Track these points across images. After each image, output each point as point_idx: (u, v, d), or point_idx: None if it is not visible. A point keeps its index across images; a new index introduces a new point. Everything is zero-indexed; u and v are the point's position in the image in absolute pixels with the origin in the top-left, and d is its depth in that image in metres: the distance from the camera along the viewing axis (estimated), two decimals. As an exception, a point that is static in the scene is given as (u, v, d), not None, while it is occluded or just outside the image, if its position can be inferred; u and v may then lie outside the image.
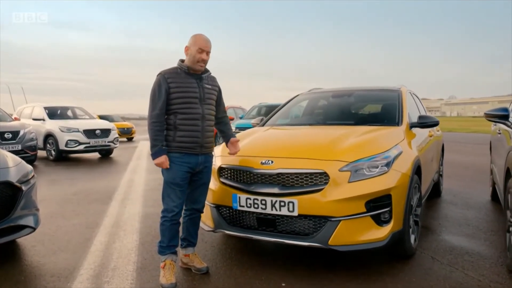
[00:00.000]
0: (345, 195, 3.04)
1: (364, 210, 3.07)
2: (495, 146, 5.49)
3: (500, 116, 4.26)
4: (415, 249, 3.72)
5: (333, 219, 3.05)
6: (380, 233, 3.11)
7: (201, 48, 3.13)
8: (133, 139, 23.33)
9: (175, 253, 3.23)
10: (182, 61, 3.24)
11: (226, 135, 3.57)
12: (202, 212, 3.46)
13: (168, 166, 3.08)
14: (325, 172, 3.11)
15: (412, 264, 3.49)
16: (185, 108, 3.12)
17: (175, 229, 3.19)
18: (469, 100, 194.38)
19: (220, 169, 3.59)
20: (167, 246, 3.18)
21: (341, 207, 3.03)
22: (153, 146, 3.07)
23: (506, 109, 4.27)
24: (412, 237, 3.60)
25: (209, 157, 3.34)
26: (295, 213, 3.11)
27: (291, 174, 3.18)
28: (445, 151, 7.14)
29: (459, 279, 3.19)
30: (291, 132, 4.35)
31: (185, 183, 3.18)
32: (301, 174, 3.16)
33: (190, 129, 3.14)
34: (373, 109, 5.17)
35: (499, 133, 4.94)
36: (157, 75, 3.16)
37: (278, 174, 3.21)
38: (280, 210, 3.15)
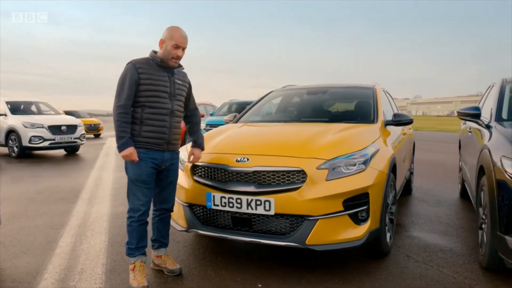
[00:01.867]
0: (323, 194, 2.98)
1: (342, 208, 3.02)
2: (465, 144, 5.58)
3: (472, 115, 4.31)
4: (391, 247, 3.71)
5: (310, 218, 2.98)
6: (357, 232, 3.07)
7: (177, 44, 2.99)
8: (101, 136, 22.83)
9: (144, 254, 3.10)
10: (155, 52, 3.08)
11: (193, 136, 3.42)
12: (172, 211, 3.34)
13: (137, 158, 2.91)
14: (302, 170, 3.04)
15: (388, 262, 3.47)
16: (154, 102, 2.97)
17: (143, 229, 3.05)
18: (434, 100, 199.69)
19: (194, 167, 3.46)
20: (136, 248, 3.04)
21: (319, 206, 2.97)
22: (119, 138, 2.88)
23: (478, 108, 4.32)
24: (388, 235, 3.58)
25: (175, 153, 3.22)
26: (272, 212, 3.03)
27: (267, 172, 3.09)
28: (415, 149, 7.23)
29: (435, 276, 3.19)
30: (267, 129, 4.27)
31: (151, 180, 3.04)
32: (278, 172, 3.08)
33: (158, 124, 3.00)
34: (348, 106, 5.15)
35: (470, 132, 5.01)
36: (127, 64, 2.98)
37: (254, 172, 3.12)
38: (256, 209, 3.07)
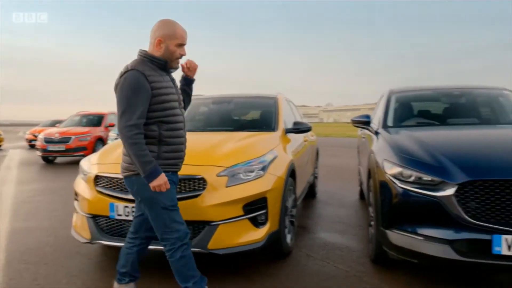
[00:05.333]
0: (223, 200, 3.11)
1: (242, 213, 3.17)
2: (361, 149, 6.06)
3: (364, 122, 4.74)
4: (292, 247, 3.93)
5: (212, 223, 3.10)
6: (257, 235, 3.23)
7: (181, 42, 2.58)
8: (1, 148, 21.18)
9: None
10: (146, 52, 2.59)
11: (185, 81, 2.95)
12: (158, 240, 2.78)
13: (169, 186, 2.47)
14: (203, 178, 3.15)
15: (289, 262, 3.68)
16: (170, 115, 2.55)
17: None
18: (344, 107, 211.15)
19: (96, 178, 3.43)
20: (201, 277, 2.66)
21: (219, 211, 3.10)
22: (146, 163, 2.37)
23: (368, 116, 4.76)
24: (289, 237, 3.80)
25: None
26: (175, 219, 3.09)
27: (169, 180, 3.15)
28: (322, 155, 7.64)
29: (330, 272, 3.45)
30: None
31: None
32: (179, 180, 3.15)
33: (177, 141, 2.60)
34: (252, 115, 5.35)
35: (364, 138, 5.47)
36: (132, 70, 2.43)
37: (156, 180, 3.15)
38: (159, 217, 3.10)
